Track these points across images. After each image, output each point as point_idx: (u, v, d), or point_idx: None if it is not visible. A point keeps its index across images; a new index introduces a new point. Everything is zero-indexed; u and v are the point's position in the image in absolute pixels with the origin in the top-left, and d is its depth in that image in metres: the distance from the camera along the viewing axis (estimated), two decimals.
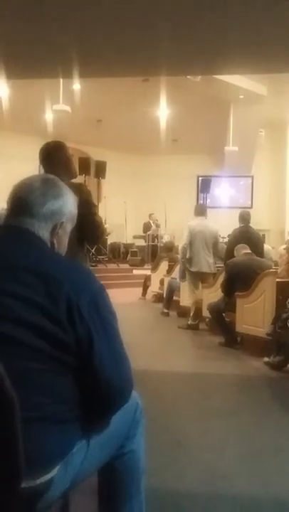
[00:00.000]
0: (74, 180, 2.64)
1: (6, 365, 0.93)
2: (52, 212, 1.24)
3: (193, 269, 5.91)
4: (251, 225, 6.23)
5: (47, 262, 1.18)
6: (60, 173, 2.47)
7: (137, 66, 5.65)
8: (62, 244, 1.31)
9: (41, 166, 2.58)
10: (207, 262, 5.93)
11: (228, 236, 6.30)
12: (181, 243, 6.11)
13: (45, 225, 1.23)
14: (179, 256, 6.13)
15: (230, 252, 5.67)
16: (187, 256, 5.87)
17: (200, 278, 5.99)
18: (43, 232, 1.23)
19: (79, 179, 2.80)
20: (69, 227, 1.32)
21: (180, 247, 6.07)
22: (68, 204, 1.29)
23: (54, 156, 2.54)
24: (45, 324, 1.07)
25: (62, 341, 1.08)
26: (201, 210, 6.28)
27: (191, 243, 5.84)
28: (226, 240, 6.67)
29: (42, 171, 2.61)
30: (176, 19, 4.20)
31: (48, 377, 1.09)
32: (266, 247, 7.12)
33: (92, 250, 9.68)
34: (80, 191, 2.41)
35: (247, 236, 5.70)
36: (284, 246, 6.44)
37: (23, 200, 1.23)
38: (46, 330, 1.07)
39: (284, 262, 5.56)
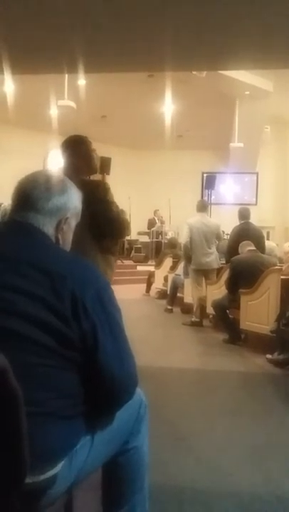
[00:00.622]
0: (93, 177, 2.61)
1: (10, 360, 0.93)
2: (57, 208, 1.24)
3: (193, 266, 5.90)
4: (256, 221, 6.22)
5: (52, 257, 1.18)
6: (81, 167, 2.46)
7: (142, 61, 5.63)
8: (67, 239, 1.30)
9: (62, 157, 2.51)
10: (207, 259, 5.91)
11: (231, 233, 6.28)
12: (182, 240, 6.11)
13: (50, 220, 1.23)
14: (182, 253, 6.13)
15: (231, 250, 5.65)
16: (190, 252, 5.88)
17: (202, 274, 5.98)
18: (48, 228, 1.23)
19: None
20: (73, 222, 1.32)
21: (182, 245, 6.06)
22: (73, 199, 1.29)
23: (77, 150, 2.50)
24: (49, 319, 1.07)
25: (66, 336, 1.08)
26: (201, 206, 6.21)
27: (191, 240, 5.83)
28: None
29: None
30: (182, 14, 4.18)
31: (53, 372, 1.09)
32: (271, 244, 7.10)
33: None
34: (94, 190, 2.37)
35: (247, 233, 5.68)
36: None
37: (27, 195, 1.23)
38: (51, 325, 1.07)
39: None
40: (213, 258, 5.95)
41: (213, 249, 5.93)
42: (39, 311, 1.07)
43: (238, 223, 6.12)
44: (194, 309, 5.97)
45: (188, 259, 5.93)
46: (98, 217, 2.32)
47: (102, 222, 2.36)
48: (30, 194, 1.23)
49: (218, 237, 6.02)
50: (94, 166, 2.57)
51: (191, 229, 5.85)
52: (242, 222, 5.98)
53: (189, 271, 6.07)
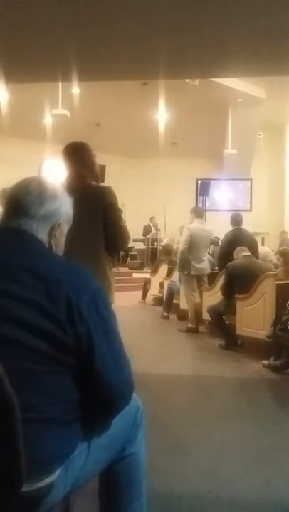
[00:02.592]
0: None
1: (5, 366, 0.93)
2: (50, 214, 1.25)
3: (194, 272, 5.89)
4: (251, 227, 6.24)
5: (46, 262, 1.18)
6: (85, 174, 2.46)
7: (136, 70, 5.67)
8: (60, 245, 1.31)
9: (65, 165, 2.49)
10: (202, 265, 5.93)
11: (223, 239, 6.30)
12: (180, 246, 6.07)
13: (43, 226, 1.24)
14: (178, 259, 6.09)
15: (224, 256, 5.66)
16: (187, 259, 5.87)
17: (196, 280, 5.99)
18: (41, 234, 1.23)
19: None
20: (66, 228, 1.33)
21: (179, 251, 6.03)
22: (65, 205, 1.30)
23: (79, 156, 2.49)
24: (44, 324, 1.07)
25: (62, 341, 1.08)
26: (200, 213, 6.30)
27: (190, 246, 5.83)
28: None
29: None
30: (175, 23, 4.22)
31: (48, 378, 1.09)
32: (265, 249, 7.13)
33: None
34: (106, 194, 2.38)
35: (240, 238, 5.70)
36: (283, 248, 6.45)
37: (20, 201, 1.23)
38: (46, 330, 1.07)
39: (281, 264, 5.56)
40: (207, 264, 6.00)
41: (206, 255, 5.97)
42: (34, 316, 1.07)
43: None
44: (189, 315, 5.97)
45: (183, 266, 5.91)
46: (108, 223, 2.33)
47: (111, 230, 2.36)
48: (22, 200, 1.23)
49: (214, 243, 6.03)
50: (97, 173, 2.57)
51: (192, 235, 5.86)
52: (234, 228, 6.00)
53: (182, 277, 6.05)
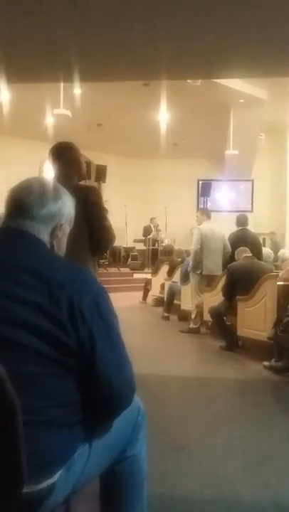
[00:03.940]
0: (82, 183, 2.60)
1: (7, 368, 0.92)
2: (51, 215, 1.24)
3: (205, 272, 5.89)
4: (252, 228, 6.24)
5: (48, 263, 1.17)
6: (71, 174, 2.46)
7: (137, 70, 5.66)
8: (62, 245, 1.30)
9: (53, 166, 2.51)
10: (218, 265, 5.93)
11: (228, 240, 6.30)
12: (192, 246, 6.08)
13: (44, 227, 1.23)
14: (190, 259, 6.07)
15: (228, 256, 5.70)
16: (200, 259, 5.87)
17: (206, 281, 5.98)
18: (43, 235, 1.23)
19: None
20: (68, 228, 1.32)
21: (192, 251, 6.02)
22: (67, 205, 1.30)
23: (65, 156, 2.50)
24: (46, 326, 1.06)
25: (64, 343, 1.08)
26: (209, 214, 6.33)
27: (202, 246, 5.85)
28: None
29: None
30: (177, 23, 4.21)
31: (50, 380, 1.08)
32: (267, 250, 7.12)
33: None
34: (90, 193, 2.37)
35: (244, 239, 5.71)
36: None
37: (22, 202, 1.23)
38: (48, 332, 1.06)
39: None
40: (220, 265, 5.97)
41: (220, 257, 5.94)
42: (36, 318, 1.06)
43: (234, 230, 6.15)
44: (193, 316, 5.97)
45: (196, 265, 5.92)
46: (92, 223, 2.32)
47: (96, 229, 2.35)
48: (24, 201, 1.23)
49: (226, 246, 5.99)
50: (84, 172, 2.58)
51: (203, 235, 5.87)
52: (239, 228, 6.01)
53: (192, 277, 6.05)
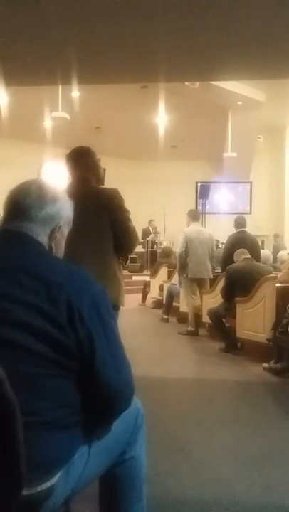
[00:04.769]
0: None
1: (6, 370, 0.92)
2: (50, 216, 1.24)
3: (190, 275, 5.89)
4: (250, 230, 6.24)
5: (47, 265, 1.18)
6: (89, 178, 2.48)
7: (136, 73, 5.67)
8: (60, 247, 1.31)
9: (69, 170, 2.51)
10: (205, 268, 5.93)
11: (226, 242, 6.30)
12: (177, 249, 6.09)
13: (43, 229, 1.24)
14: (176, 262, 6.10)
15: (227, 258, 5.68)
16: (185, 262, 5.87)
17: (196, 283, 5.98)
18: (42, 236, 1.23)
19: None
20: (66, 230, 1.33)
21: (177, 254, 6.04)
22: (65, 208, 1.30)
23: (84, 161, 2.51)
24: (45, 327, 1.07)
25: (62, 345, 1.08)
26: (197, 216, 6.31)
27: (187, 249, 5.84)
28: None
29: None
30: (174, 25, 4.23)
31: (49, 381, 1.08)
32: (266, 252, 7.14)
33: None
34: (114, 196, 2.39)
35: (243, 241, 5.71)
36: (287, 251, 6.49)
37: (20, 204, 1.23)
38: (47, 333, 1.07)
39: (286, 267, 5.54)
40: (208, 267, 5.98)
41: (207, 259, 5.94)
42: (35, 319, 1.07)
43: (232, 231, 6.15)
44: (189, 318, 5.97)
45: (182, 269, 5.93)
46: (116, 225, 2.34)
47: (119, 231, 2.37)
48: (23, 203, 1.23)
49: (212, 249, 6.00)
50: (101, 176, 2.59)
51: (188, 238, 5.87)
52: (238, 230, 6.02)
53: (182, 280, 6.06)
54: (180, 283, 6.30)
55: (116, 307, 2.33)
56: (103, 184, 2.60)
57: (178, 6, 3.88)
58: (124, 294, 2.44)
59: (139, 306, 8.70)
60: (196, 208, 12.82)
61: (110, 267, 2.37)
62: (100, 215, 2.35)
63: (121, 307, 2.40)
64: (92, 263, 2.19)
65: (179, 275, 6.10)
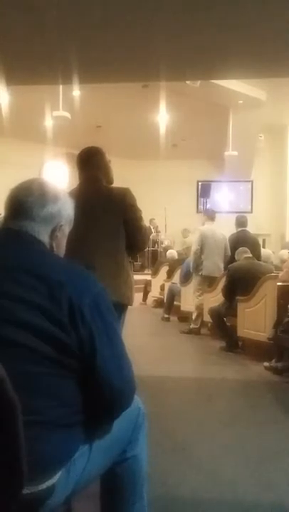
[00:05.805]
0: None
1: (7, 368, 0.92)
2: (51, 215, 1.24)
3: (205, 273, 5.89)
4: (251, 229, 6.24)
5: (48, 264, 1.18)
6: (100, 178, 2.48)
7: (137, 72, 5.67)
8: (61, 246, 1.31)
9: (80, 170, 2.53)
10: (218, 267, 5.92)
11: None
12: (192, 247, 6.08)
13: (44, 227, 1.24)
14: (191, 260, 6.09)
15: (228, 257, 5.71)
16: (200, 259, 5.87)
17: (208, 282, 5.98)
18: (43, 235, 1.23)
19: None
20: (67, 229, 1.33)
21: (192, 251, 6.04)
22: (66, 207, 1.30)
23: (95, 160, 2.51)
24: (47, 327, 1.07)
25: (64, 344, 1.08)
26: (213, 216, 6.30)
27: (202, 247, 5.85)
28: None
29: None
30: (176, 25, 4.22)
31: (50, 380, 1.09)
32: (267, 251, 7.12)
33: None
34: (126, 196, 2.40)
35: (244, 240, 5.72)
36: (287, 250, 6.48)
37: (22, 203, 1.23)
38: (48, 332, 1.07)
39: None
40: (221, 267, 5.96)
41: (220, 259, 5.93)
42: (36, 318, 1.07)
43: (234, 231, 6.16)
44: (194, 316, 5.97)
45: (197, 266, 5.92)
46: (129, 224, 2.34)
47: (132, 230, 2.37)
48: (24, 202, 1.23)
49: (226, 249, 5.97)
50: (111, 177, 2.59)
51: (203, 236, 5.88)
52: (239, 229, 6.02)
53: (194, 277, 6.05)
54: (181, 282, 6.30)
55: (126, 306, 2.34)
56: (112, 183, 2.60)
57: (179, 5, 3.88)
58: (134, 293, 2.45)
59: (140, 305, 8.70)
60: (197, 207, 12.82)
61: (123, 266, 2.38)
62: (113, 214, 2.35)
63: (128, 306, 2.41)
64: (105, 262, 2.20)
65: (192, 273, 6.09)
